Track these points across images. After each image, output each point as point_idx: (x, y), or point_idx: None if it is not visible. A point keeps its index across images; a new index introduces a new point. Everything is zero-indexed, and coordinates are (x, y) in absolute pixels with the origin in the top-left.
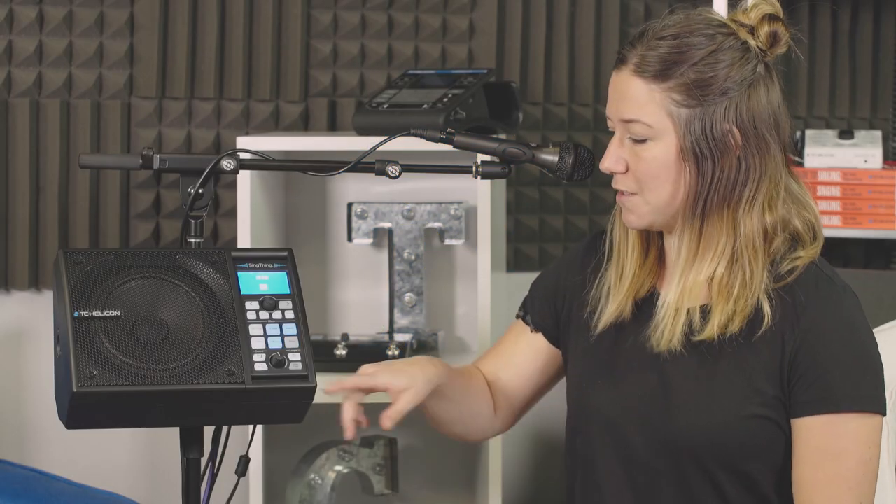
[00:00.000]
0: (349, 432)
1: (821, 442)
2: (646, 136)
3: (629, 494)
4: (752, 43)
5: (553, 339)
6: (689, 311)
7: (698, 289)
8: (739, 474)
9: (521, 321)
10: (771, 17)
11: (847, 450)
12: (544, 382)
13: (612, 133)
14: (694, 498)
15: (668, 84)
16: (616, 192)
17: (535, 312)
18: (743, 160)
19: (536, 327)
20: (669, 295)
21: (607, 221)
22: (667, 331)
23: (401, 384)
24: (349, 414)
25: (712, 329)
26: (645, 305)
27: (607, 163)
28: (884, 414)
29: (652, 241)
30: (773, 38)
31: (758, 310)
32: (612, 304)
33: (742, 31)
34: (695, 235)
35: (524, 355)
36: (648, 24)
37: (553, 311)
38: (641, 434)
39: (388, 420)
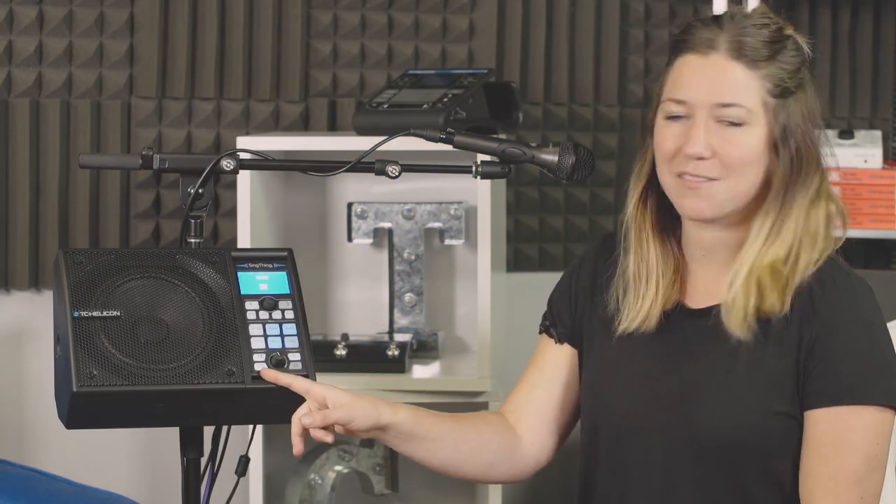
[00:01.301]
0: (296, 448)
1: (828, 434)
2: (743, 120)
3: (649, 498)
4: (801, 41)
5: (577, 343)
6: (757, 286)
7: (763, 270)
8: (763, 471)
9: (545, 336)
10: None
11: (854, 443)
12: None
13: (673, 118)
14: (716, 498)
15: (765, 71)
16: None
17: (559, 323)
18: (814, 151)
19: (561, 338)
20: (738, 279)
21: (608, 221)
22: (740, 314)
23: (339, 398)
24: (296, 429)
25: (772, 308)
26: (666, 315)
27: (698, 148)
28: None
29: (666, 246)
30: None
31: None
32: (633, 309)
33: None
34: (770, 224)
35: (556, 369)
36: (729, 10)
37: (572, 318)
38: (662, 436)
39: (303, 420)
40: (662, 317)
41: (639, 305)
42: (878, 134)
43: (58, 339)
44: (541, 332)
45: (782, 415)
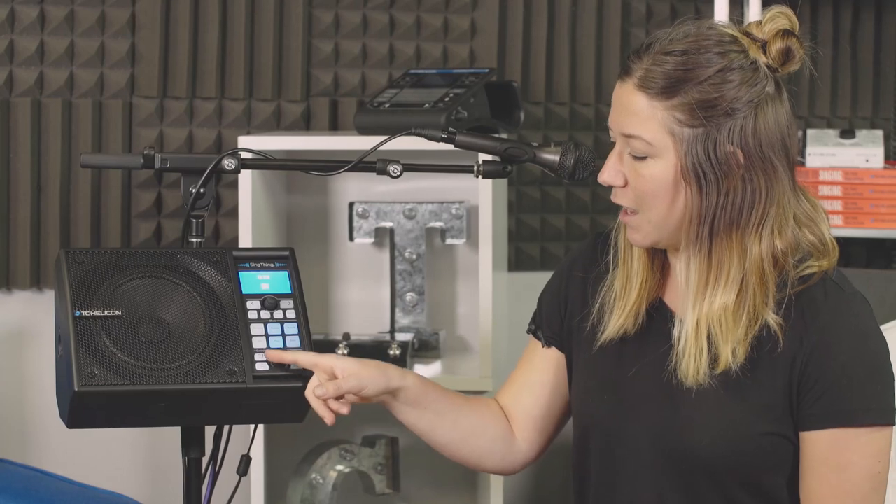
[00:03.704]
0: (329, 418)
1: (828, 455)
2: (645, 153)
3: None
4: (763, 60)
5: (564, 348)
6: (708, 340)
7: (712, 317)
8: (752, 487)
9: (532, 338)
10: (785, 33)
11: (855, 463)
12: (568, 393)
13: (613, 144)
14: None
15: (671, 102)
16: (620, 208)
17: (545, 326)
18: (748, 183)
19: (548, 342)
20: (687, 323)
21: (609, 221)
22: (691, 366)
23: (347, 367)
24: (314, 403)
25: (726, 361)
26: (649, 315)
27: (605, 176)
28: (895, 424)
29: (657, 254)
30: (786, 55)
31: (765, 325)
32: (616, 317)
33: (754, 46)
34: (704, 261)
35: (542, 372)
36: (657, 34)
37: (560, 321)
38: (650, 450)
39: (316, 392)
40: (645, 317)
41: (620, 314)
42: (879, 133)
43: (59, 339)
44: (528, 333)
45: (772, 435)
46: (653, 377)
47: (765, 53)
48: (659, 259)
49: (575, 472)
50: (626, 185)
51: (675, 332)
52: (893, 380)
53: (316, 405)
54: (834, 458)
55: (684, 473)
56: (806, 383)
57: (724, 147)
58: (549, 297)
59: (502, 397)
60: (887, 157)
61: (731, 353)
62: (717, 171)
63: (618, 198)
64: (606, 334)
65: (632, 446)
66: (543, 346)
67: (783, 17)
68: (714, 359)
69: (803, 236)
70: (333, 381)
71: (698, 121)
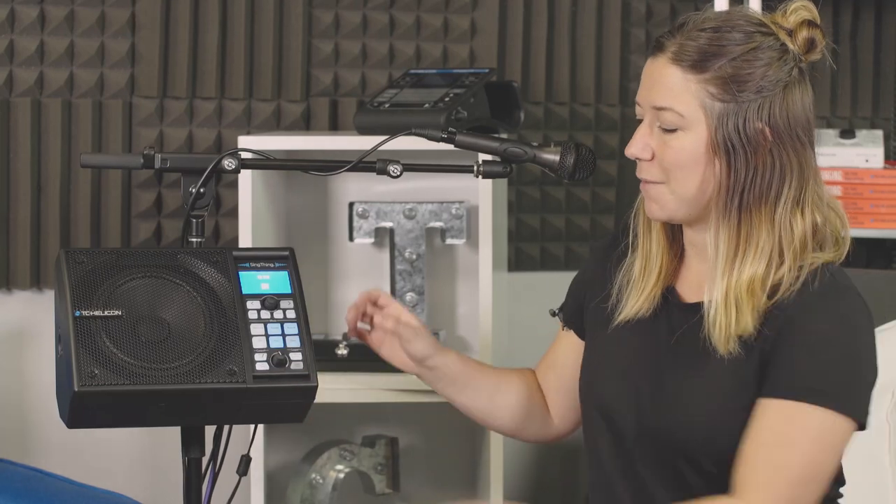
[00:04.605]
0: (351, 330)
1: (774, 424)
2: (676, 125)
3: (626, 484)
4: (791, 46)
5: (581, 333)
6: (736, 306)
7: (741, 287)
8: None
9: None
10: (810, 23)
11: (797, 443)
12: None
13: (639, 121)
14: (689, 490)
15: (704, 76)
16: (639, 182)
17: (567, 309)
18: (777, 158)
19: (567, 324)
20: (716, 294)
21: (609, 220)
22: (722, 334)
23: (412, 318)
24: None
25: (745, 329)
26: (660, 302)
27: (633, 149)
28: (858, 421)
29: (675, 237)
30: (810, 44)
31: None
32: (635, 299)
33: (781, 32)
34: (734, 233)
35: (564, 354)
36: (689, 15)
37: (579, 306)
38: (635, 427)
39: (394, 320)
40: (659, 302)
41: (638, 297)
42: (879, 133)
43: (59, 339)
44: (553, 315)
45: (750, 412)
46: (645, 362)
47: (791, 40)
48: (677, 245)
49: (585, 448)
50: (652, 158)
51: (706, 302)
52: (868, 379)
53: (358, 306)
54: (779, 428)
55: (666, 451)
56: (775, 352)
57: (754, 123)
58: (575, 285)
59: (538, 372)
60: (887, 157)
61: (751, 321)
62: (746, 146)
63: (643, 171)
64: (624, 315)
65: (618, 423)
66: (564, 329)
67: (806, 10)
68: (742, 327)
69: (828, 221)
70: (398, 307)
71: (730, 95)
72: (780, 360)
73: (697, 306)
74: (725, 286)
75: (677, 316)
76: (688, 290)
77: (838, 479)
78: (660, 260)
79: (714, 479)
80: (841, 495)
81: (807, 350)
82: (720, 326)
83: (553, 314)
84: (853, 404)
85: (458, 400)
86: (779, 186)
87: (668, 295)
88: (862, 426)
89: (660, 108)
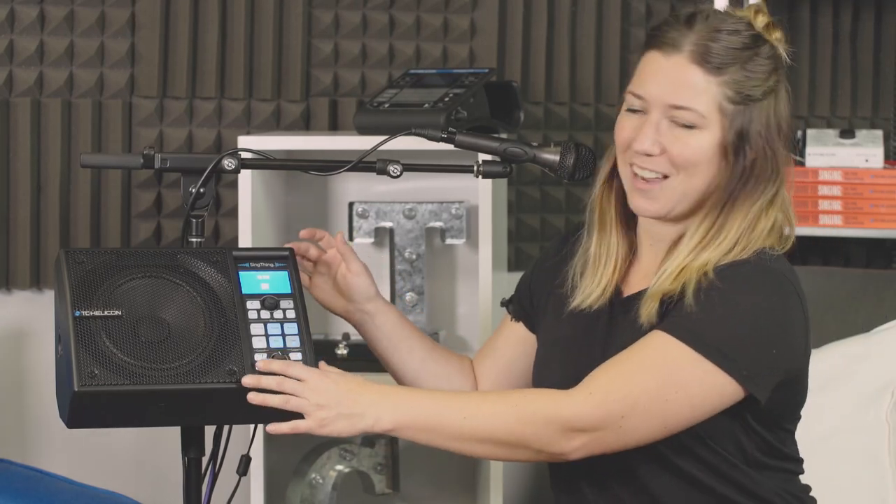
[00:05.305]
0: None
1: (641, 346)
2: (694, 123)
3: (580, 479)
4: (780, 51)
5: (532, 327)
6: (683, 279)
7: (693, 268)
8: (685, 451)
9: (506, 310)
10: (773, 25)
11: (652, 367)
12: (526, 368)
13: (630, 111)
14: (643, 483)
15: (723, 78)
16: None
17: (516, 302)
18: (770, 159)
19: (516, 316)
20: (671, 266)
21: None
22: (654, 303)
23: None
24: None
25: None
26: (609, 297)
27: (645, 145)
28: (743, 386)
29: (630, 240)
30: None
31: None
32: (592, 288)
33: (770, 36)
34: (711, 224)
35: (506, 345)
36: (694, 10)
37: (530, 299)
38: None
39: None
40: (610, 295)
41: (594, 284)
42: (879, 133)
43: (59, 339)
44: (501, 306)
45: None
46: (584, 353)
47: (779, 45)
48: (630, 244)
49: None
50: (661, 153)
51: (656, 274)
52: (774, 356)
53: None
54: (645, 352)
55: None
56: (679, 301)
57: (756, 126)
58: (525, 278)
59: (475, 359)
60: (887, 157)
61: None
62: (749, 148)
63: (647, 164)
64: (576, 304)
65: None
66: (512, 320)
67: (762, 12)
68: (666, 306)
69: (788, 219)
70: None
71: (741, 98)
72: (680, 305)
73: (637, 296)
74: (678, 265)
75: (618, 307)
76: (630, 285)
77: (793, 457)
78: (616, 252)
79: (667, 460)
80: (800, 472)
81: (707, 303)
82: (655, 297)
83: (503, 304)
84: (733, 363)
85: (391, 359)
86: (764, 186)
87: (614, 289)
88: (753, 397)
89: (678, 107)
